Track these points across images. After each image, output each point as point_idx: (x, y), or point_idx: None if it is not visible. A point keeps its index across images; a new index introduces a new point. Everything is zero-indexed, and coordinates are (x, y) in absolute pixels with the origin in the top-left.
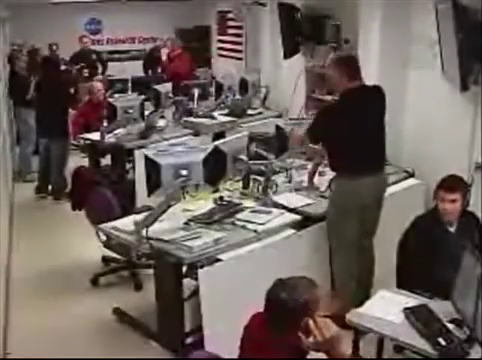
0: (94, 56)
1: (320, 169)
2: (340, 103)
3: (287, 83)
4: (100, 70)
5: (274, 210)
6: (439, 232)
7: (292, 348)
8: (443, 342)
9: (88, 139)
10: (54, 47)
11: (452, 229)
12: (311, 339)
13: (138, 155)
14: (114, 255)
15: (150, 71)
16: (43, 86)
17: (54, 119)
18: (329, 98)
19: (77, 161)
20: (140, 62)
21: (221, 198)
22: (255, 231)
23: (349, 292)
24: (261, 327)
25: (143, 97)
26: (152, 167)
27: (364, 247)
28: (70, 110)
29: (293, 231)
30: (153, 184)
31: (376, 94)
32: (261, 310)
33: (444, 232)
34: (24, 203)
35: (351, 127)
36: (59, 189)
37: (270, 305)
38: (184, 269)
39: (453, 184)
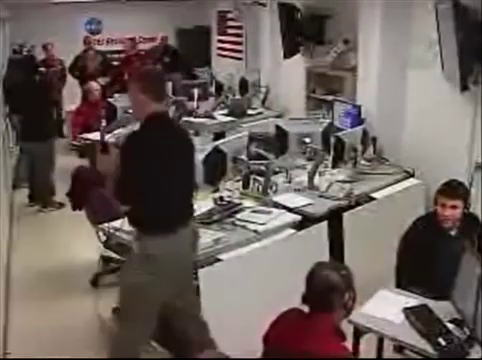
0: (99, 57)
1: (320, 169)
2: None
3: (287, 83)
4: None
5: (274, 210)
6: (439, 235)
7: (334, 327)
8: (443, 342)
9: (88, 139)
10: (49, 47)
11: (452, 233)
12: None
13: None
14: (114, 255)
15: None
16: (22, 89)
17: (35, 122)
18: (330, 98)
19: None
20: None
21: (221, 198)
22: (255, 231)
23: None
24: (296, 318)
25: None
26: None
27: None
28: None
29: (293, 231)
30: None
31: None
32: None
33: (444, 236)
34: (24, 203)
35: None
36: (44, 196)
37: (313, 284)
38: None
39: (454, 190)
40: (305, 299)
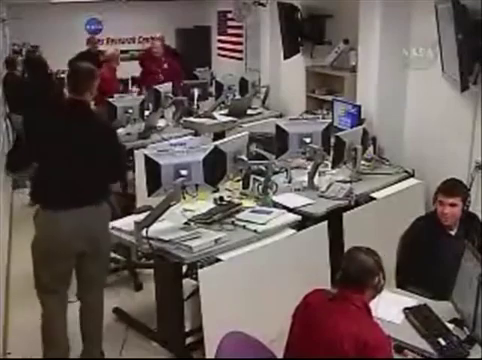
0: (102, 58)
1: (320, 169)
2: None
3: (287, 83)
4: None
5: (274, 210)
6: (439, 235)
7: (365, 304)
8: (443, 342)
9: None
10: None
11: (452, 232)
12: None
13: (138, 155)
14: (114, 255)
15: None
16: (28, 88)
17: None
18: (329, 98)
19: None
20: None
21: (221, 198)
22: (255, 231)
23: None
24: (326, 295)
25: (143, 97)
26: (152, 167)
27: (83, 300)
28: None
29: (293, 231)
30: (153, 184)
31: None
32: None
33: (444, 235)
34: (24, 203)
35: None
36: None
37: (349, 267)
38: (184, 269)
39: (452, 188)
40: (335, 281)
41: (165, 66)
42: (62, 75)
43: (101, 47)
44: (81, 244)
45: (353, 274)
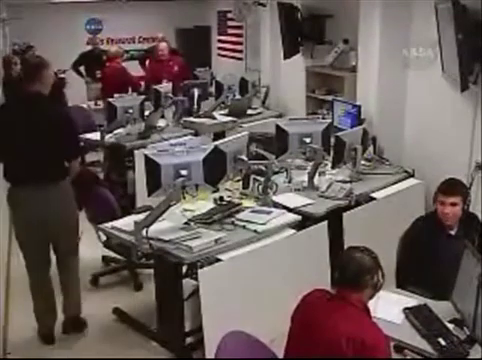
0: (105, 57)
1: (320, 169)
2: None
3: (287, 83)
4: None
5: (274, 210)
6: (439, 235)
7: (364, 304)
8: (443, 342)
9: (88, 139)
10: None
11: (452, 232)
12: None
13: (138, 155)
14: (114, 255)
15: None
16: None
17: None
18: (329, 98)
19: None
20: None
21: (221, 198)
22: (255, 231)
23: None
24: (324, 296)
25: (143, 97)
26: (152, 167)
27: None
28: None
29: (293, 231)
30: (153, 184)
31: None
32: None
33: (444, 235)
34: None
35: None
36: None
37: (347, 267)
38: (184, 269)
39: (452, 187)
40: (334, 281)
41: (176, 69)
42: (62, 75)
43: (101, 47)
44: (48, 215)
45: (351, 273)
